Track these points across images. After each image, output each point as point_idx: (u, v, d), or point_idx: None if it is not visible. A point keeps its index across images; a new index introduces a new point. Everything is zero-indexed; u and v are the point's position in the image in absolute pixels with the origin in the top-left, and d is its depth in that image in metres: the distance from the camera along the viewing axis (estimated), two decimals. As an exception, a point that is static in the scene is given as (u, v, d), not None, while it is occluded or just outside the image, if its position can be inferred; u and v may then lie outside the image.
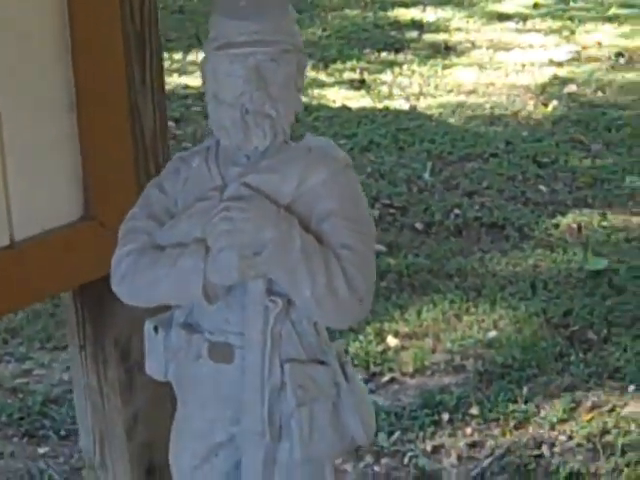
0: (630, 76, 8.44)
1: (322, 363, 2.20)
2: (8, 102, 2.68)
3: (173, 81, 8.32)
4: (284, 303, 2.15)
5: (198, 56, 9.10)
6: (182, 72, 8.70)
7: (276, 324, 2.15)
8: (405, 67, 8.82)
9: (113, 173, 2.87)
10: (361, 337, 4.92)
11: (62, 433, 4.33)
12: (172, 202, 2.23)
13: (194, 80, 8.25)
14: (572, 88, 8.25)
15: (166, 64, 7.30)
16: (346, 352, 2.32)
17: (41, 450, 4.30)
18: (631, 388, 4.55)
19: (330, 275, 2.10)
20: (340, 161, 2.19)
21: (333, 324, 2.22)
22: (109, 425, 3.07)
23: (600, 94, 8.13)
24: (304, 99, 7.61)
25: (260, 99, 2.10)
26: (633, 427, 4.30)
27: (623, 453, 4.15)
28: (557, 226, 6.02)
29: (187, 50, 9.29)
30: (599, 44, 9.21)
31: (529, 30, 9.66)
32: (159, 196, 2.25)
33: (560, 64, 8.78)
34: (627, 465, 4.08)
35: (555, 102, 7.96)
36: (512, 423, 4.36)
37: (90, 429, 3.11)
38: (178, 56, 9.07)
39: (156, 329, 2.28)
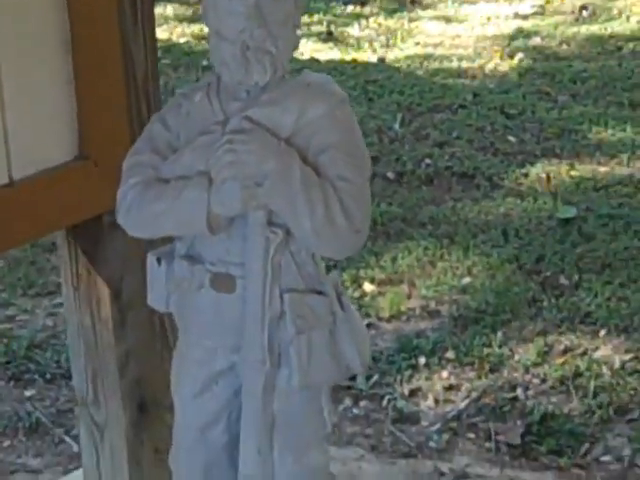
0: (594, 29, 8.52)
1: (320, 293, 2.26)
2: (4, 43, 2.71)
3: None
4: (284, 234, 2.20)
5: (165, 10, 9.13)
6: (149, 25, 8.66)
7: (276, 255, 2.20)
8: (371, 20, 8.86)
9: (106, 114, 2.89)
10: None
11: (47, 377, 4.39)
12: (175, 136, 2.27)
13: (162, 33, 8.26)
14: (537, 41, 8.33)
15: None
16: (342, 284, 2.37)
17: (27, 393, 4.36)
18: (602, 332, 4.64)
19: (328, 206, 2.15)
20: (337, 96, 2.24)
21: (331, 254, 2.29)
22: (102, 363, 3.09)
23: (565, 47, 8.21)
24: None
25: (261, 36, 2.14)
26: (604, 370, 4.39)
27: (595, 395, 4.24)
28: (526, 175, 6.11)
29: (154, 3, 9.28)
30: (563, -2, 9.28)
31: (493, -15, 9.71)
32: (162, 131, 2.28)
33: (525, 17, 8.85)
34: (599, 407, 4.17)
35: (521, 55, 8.03)
36: (487, 366, 4.45)
37: (83, 367, 3.13)
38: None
39: (159, 261, 2.32)
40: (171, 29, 8.43)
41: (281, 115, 2.19)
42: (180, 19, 8.56)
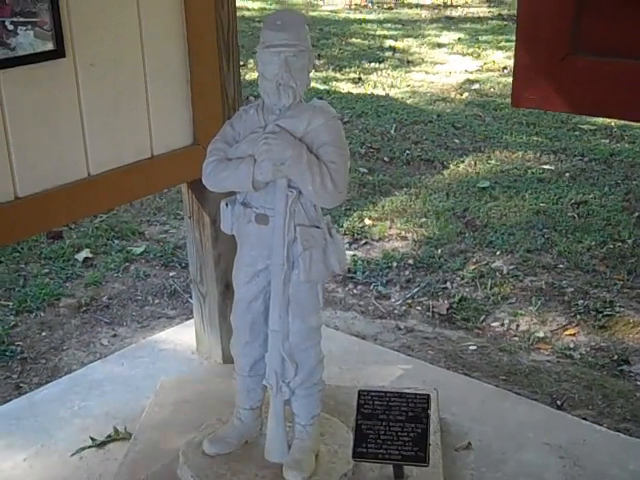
0: (510, 80, 8.24)
1: (317, 227, 2.15)
2: (155, 79, 2.62)
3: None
4: (297, 192, 2.10)
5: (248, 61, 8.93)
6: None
7: (292, 204, 2.11)
8: (383, 71, 8.63)
9: (210, 119, 2.80)
10: (351, 219, 4.89)
11: (183, 265, 4.30)
12: (237, 134, 2.16)
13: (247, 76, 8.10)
14: (477, 86, 8.08)
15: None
16: (332, 222, 2.25)
17: (171, 274, 4.29)
18: (498, 253, 4.49)
19: (323, 177, 2.05)
20: (331, 113, 2.13)
21: (324, 205, 2.15)
22: (205, 260, 3.03)
23: (493, 90, 7.96)
24: (327, 88, 7.42)
25: (287, 77, 2.03)
26: (497, 274, 4.26)
27: (491, 288, 4.12)
28: (463, 162, 5.92)
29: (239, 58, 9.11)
30: (494, 62, 9.00)
31: (454, 53, 9.44)
32: (230, 130, 2.18)
33: (471, 72, 8.59)
34: (493, 295, 4.05)
35: (466, 93, 7.81)
36: (430, 269, 4.33)
37: (195, 262, 3.07)
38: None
39: (227, 205, 2.23)
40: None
41: (297, 124, 2.08)
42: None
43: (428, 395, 2.22)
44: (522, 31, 2.03)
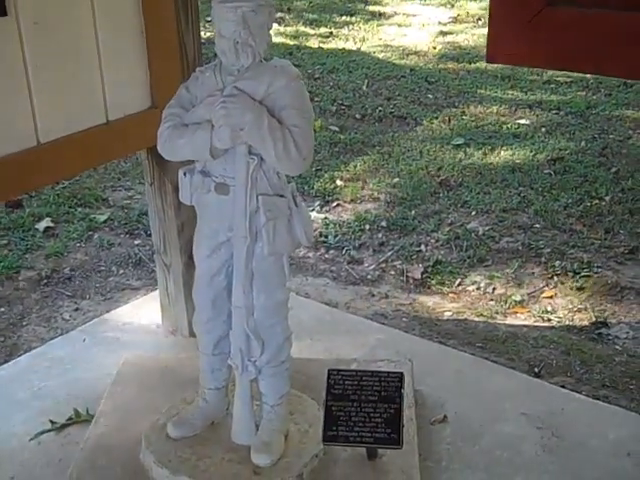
0: (485, 31, 8.07)
1: (281, 196, 2.03)
2: (107, 38, 2.46)
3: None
4: (258, 159, 1.97)
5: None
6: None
7: (254, 172, 1.98)
8: (355, 25, 8.42)
9: (168, 80, 2.63)
10: (321, 180, 4.75)
11: (148, 233, 4.10)
12: (193, 97, 2.03)
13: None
14: (450, 38, 7.92)
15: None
16: (296, 190, 2.12)
17: (136, 242, 4.14)
18: (473, 213, 4.39)
19: (286, 142, 1.92)
20: (293, 74, 1.99)
21: (288, 172, 2.03)
22: (168, 229, 2.89)
23: (467, 42, 7.79)
24: (297, 43, 7.21)
25: (245, 35, 1.89)
26: (473, 235, 4.15)
27: (466, 250, 4.01)
28: (437, 118, 5.78)
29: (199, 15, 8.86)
30: (468, 13, 8.82)
31: (427, 4, 9.22)
32: (186, 93, 2.04)
33: (445, 24, 8.41)
34: (468, 257, 3.94)
35: (440, 46, 7.63)
36: (404, 232, 4.22)
37: (157, 231, 2.94)
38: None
39: (185, 174, 2.10)
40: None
41: (257, 86, 1.95)
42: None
43: (401, 373, 2.12)
44: (497, -19, 1.90)
